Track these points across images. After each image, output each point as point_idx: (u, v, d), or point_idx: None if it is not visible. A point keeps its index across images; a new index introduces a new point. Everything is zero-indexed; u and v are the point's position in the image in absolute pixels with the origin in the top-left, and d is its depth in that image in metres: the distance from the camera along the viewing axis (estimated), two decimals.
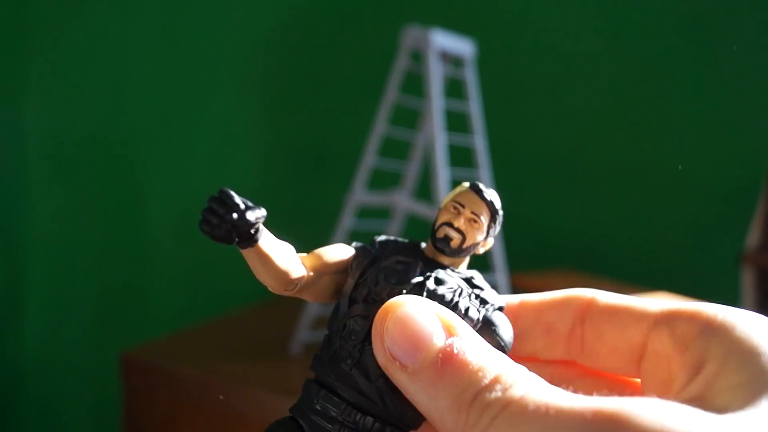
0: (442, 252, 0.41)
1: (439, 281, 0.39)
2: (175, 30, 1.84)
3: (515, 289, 1.38)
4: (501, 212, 0.42)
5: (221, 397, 1.19)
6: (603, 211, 1.89)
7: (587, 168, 1.91)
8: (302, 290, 0.39)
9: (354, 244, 0.42)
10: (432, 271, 0.40)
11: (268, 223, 0.39)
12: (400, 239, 0.43)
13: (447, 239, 0.40)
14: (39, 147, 1.65)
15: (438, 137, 1.19)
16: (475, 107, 1.29)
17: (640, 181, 1.85)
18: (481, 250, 0.42)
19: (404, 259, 0.40)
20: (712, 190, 1.76)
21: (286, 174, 2.09)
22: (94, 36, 1.71)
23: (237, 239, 0.35)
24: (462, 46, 1.29)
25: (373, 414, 0.37)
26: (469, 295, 0.39)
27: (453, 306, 0.38)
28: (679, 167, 1.75)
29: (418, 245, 0.42)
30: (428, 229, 0.42)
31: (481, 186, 0.42)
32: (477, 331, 0.36)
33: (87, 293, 1.75)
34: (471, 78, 1.30)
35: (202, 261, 1.90)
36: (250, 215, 0.34)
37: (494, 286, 1.26)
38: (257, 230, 0.35)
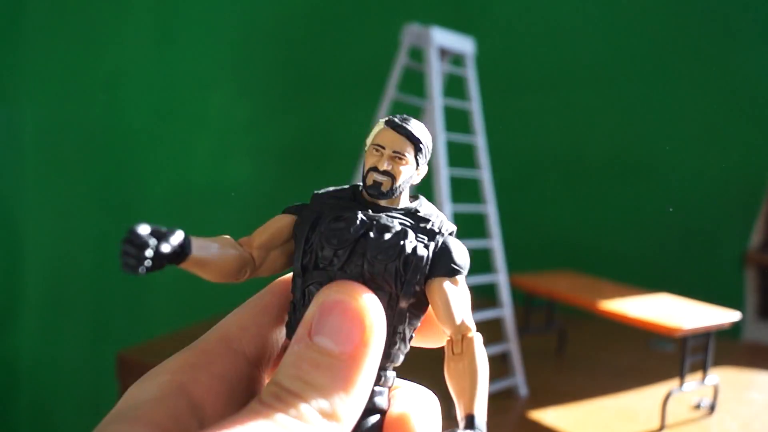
0: (376, 198, 0.41)
1: (381, 228, 0.39)
2: (172, 27, 1.83)
3: (516, 289, 1.36)
4: (425, 139, 0.42)
5: None
6: (604, 211, 1.88)
7: (587, 168, 1.90)
8: (256, 271, 0.41)
9: (291, 207, 0.42)
10: (372, 220, 0.39)
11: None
12: (337, 188, 0.43)
13: (377, 185, 0.40)
14: (36, 145, 1.64)
15: (438, 136, 1.18)
16: (475, 105, 1.28)
17: (641, 181, 1.84)
18: (417, 180, 0.42)
19: (343, 215, 0.40)
20: (715, 191, 1.75)
21: (285, 172, 2.08)
22: (91, 34, 1.70)
23: (167, 262, 0.35)
24: (462, 43, 1.28)
25: None
26: (416, 233, 0.39)
27: (400, 249, 0.38)
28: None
29: (357, 188, 0.42)
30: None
31: (397, 119, 0.42)
32: (432, 262, 0.39)
33: (83, 293, 1.74)
34: (472, 75, 1.29)
35: None
36: (165, 247, 0.34)
37: (495, 287, 1.25)
38: (183, 247, 0.36)
